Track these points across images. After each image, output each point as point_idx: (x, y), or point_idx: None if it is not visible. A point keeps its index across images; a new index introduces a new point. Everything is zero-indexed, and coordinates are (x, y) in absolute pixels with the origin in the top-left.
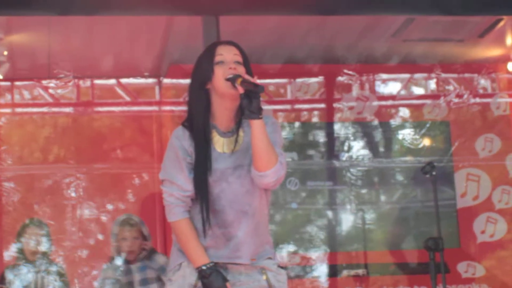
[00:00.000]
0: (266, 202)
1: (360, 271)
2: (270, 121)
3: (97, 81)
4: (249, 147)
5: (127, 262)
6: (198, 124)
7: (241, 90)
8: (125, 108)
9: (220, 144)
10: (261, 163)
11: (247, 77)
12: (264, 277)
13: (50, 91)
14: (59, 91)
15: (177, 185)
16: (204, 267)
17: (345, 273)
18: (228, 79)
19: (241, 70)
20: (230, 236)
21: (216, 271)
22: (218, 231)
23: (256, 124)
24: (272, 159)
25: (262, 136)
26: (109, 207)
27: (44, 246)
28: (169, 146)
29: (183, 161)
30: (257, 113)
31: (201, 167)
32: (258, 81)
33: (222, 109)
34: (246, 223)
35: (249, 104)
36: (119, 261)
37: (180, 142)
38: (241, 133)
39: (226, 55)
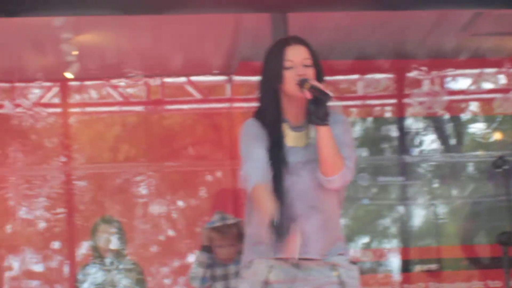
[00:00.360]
0: (337, 199)
1: (433, 266)
2: (341, 119)
3: (167, 80)
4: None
5: (223, 262)
6: (270, 118)
7: (308, 95)
8: (196, 106)
9: (291, 138)
10: (327, 169)
11: (315, 83)
12: (335, 273)
13: (120, 90)
14: (128, 90)
15: (258, 173)
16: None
17: (417, 268)
18: (297, 84)
19: (310, 73)
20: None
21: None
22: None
23: (322, 130)
24: (338, 165)
25: (328, 142)
26: (180, 203)
27: (117, 244)
28: (245, 136)
29: (261, 148)
30: (324, 119)
31: (275, 159)
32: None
33: (293, 107)
34: (314, 218)
35: (316, 110)
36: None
37: (254, 128)
38: (312, 128)
39: (295, 58)
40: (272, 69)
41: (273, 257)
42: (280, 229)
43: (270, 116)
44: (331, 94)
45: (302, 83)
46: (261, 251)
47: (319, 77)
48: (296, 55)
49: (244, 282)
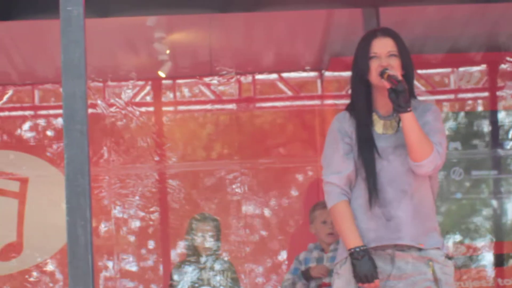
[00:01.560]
0: (429, 187)
1: None
2: (432, 108)
3: (259, 77)
4: None
5: (321, 249)
6: (359, 107)
7: (387, 85)
8: (287, 103)
9: (380, 125)
10: (416, 154)
11: (392, 72)
12: (430, 270)
13: (212, 88)
14: (220, 87)
15: (332, 166)
16: (357, 249)
17: (511, 262)
18: (380, 73)
19: (394, 63)
20: (390, 216)
21: (368, 255)
22: (378, 210)
23: (405, 117)
24: (427, 149)
25: (414, 127)
26: (273, 202)
27: (212, 242)
28: (329, 131)
29: (341, 142)
30: (405, 107)
31: (365, 144)
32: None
33: (382, 97)
34: (405, 203)
35: (396, 99)
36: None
37: (340, 123)
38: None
39: (380, 50)
40: (359, 61)
41: (367, 246)
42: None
43: (359, 107)
44: (403, 84)
45: (381, 73)
46: None
47: (406, 68)
48: (381, 47)
49: (340, 278)
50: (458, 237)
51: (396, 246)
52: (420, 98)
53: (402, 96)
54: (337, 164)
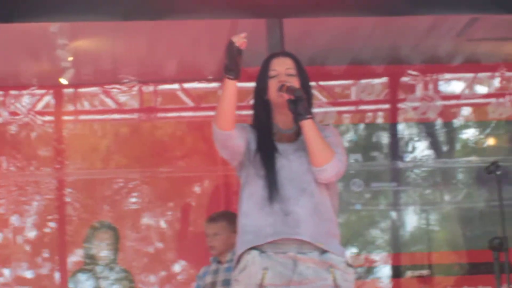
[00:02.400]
0: (327, 195)
1: (424, 272)
2: (329, 129)
3: (161, 87)
4: None
5: (219, 261)
6: (261, 121)
7: (286, 96)
8: (189, 114)
9: (279, 138)
10: (318, 159)
11: (289, 84)
12: (331, 276)
13: (114, 96)
14: (122, 97)
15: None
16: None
17: (409, 274)
18: (277, 90)
19: (293, 81)
20: (288, 211)
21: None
22: (276, 206)
23: (306, 124)
24: (329, 154)
25: (314, 133)
26: (169, 213)
27: (109, 251)
28: None
29: (243, 129)
30: (304, 114)
31: (266, 143)
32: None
33: (281, 114)
34: (305, 200)
35: (295, 108)
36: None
37: (241, 125)
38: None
39: (279, 68)
40: (259, 80)
41: (262, 243)
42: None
43: (261, 121)
44: (299, 89)
45: (280, 87)
46: (249, 241)
47: (304, 86)
48: (280, 65)
49: (239, 285)
50: (356, 248)
51: (297, 247)
52: (321, 109)
53: (301, 104)
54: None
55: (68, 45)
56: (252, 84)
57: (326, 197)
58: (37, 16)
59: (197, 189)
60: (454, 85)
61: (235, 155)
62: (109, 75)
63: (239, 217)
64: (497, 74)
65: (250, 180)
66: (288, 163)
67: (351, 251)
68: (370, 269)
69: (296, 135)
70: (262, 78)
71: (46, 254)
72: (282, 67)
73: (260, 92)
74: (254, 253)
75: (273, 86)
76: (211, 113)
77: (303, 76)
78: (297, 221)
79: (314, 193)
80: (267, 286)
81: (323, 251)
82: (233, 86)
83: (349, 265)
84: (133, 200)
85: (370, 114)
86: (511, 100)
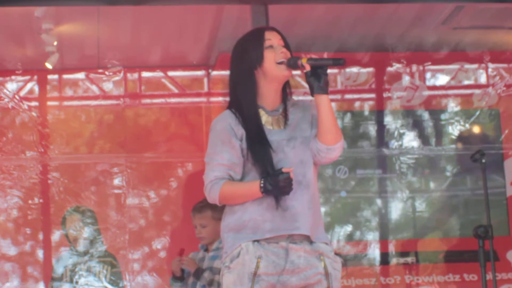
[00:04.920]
0: (317, 181)
1: (410, 259)
2: (310, 105)
3: (145, 74)
4: (299, 123)
5: (205, 250)
6: (247, 105)
7: (308, 67)
8: (173, 100)
9: (269, 122)
10: (331, 137)
11: (311, 57)
12: (322, 264)
13: (98, 82)
14: (106, 83)
15: (223, 165)
16: (261, 182)
17: (394, 261)
18: (289, 61)
19: (289, 54)
20: (286, 206)
21: (271, 176)
22: (273, 201)
23: (324, 99)
24: (339, 133)
25: (330, 111)
26: (153, 194)
27: (88, 232)
28: (212, 131)
29: (230, 142)
30: (325, 88)
31: (259, 139)
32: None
33: (270, 91)
34: (301, 193)
35: (318, 80)
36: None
37: (228, 125)
38: (290, 110)
39: (274, 40)
40: (252, 51)
41: (259, 238)
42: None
43: (247, 102)
44: (343, 59)
45: (294, 60)
46: (247, 236)
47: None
48: (273, 37)
49: (231, 273)
50: (342, 236)
51: (290, 237)
52: (307, 98)
53: (325, 77)
54: (230, 162)
55: (53, 30)
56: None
57: (316, 186)
58: (21, 0)
59: (180, 173)
60: (440, 73)
61: None
62: (93, 60)
63: (236, 211)
64: (483, 64)
65: (246, 173)
66: (284, 156)
67: (337, 238)
68: (356, 256)
69: (284, 116)
70: (255, 49)
71: (29, 235)
72: (276, 39)
73: (253, 64)
74: (247, 242)
75: (271, 56)
76: (196, 99)
77: (288, 48)
78: (295, 215)
79: (309, 184)
80: (260, 274)
81: (313, 240)
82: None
83: (337, 254)
84: (117, 184)
85: (357, 102)
86: (496, 88)
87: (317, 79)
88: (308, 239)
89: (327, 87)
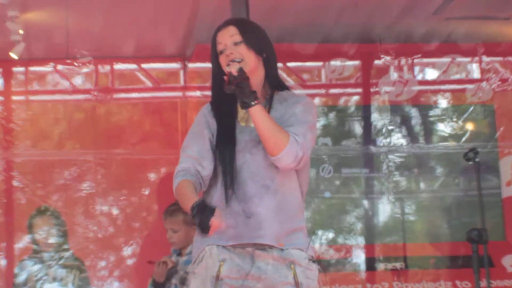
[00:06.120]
0: (296, 182)
1: (398, 265)
2: (304, 100)
3: (117, 66)
4: (277, 122)
5: (178, 254)
6: (223, 100)
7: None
8: (147, 95)
9: (244, 119)
10: (270, 147)
11: (228, 68)
12: (291, 273)
13: (67, 74)
14: (76, 75)
15: (192, 157)
16: (194, 205)
17: (382, 266)
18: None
19: (241, 50)
20: (251, 212)
21: (205, 205)
22: (238, 206)
23: (252, 111)
24: (282, 141)
25: (263, 120)
26: (123, 197)
27: (56, 238)
28: (193, 123)
29: (202, 134)
30: (248, 101)
31: (225, 137)
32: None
33: None
34: (268, 198)
35: (239, 94)
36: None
37: (204, 116)
38: (272, 108)
39: (224, 41)
40: (211, 59)
41: (224, 245)
42: (202, 212)
43: (223, 97)
44: (239, 77)
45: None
46: (211, 240)
47: (260, 52)
48: (224, 36)
49: (196, 278)
50: (326, 239)
51: (256, 244)
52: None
53: (244, 90)
54: (198, 155)
55: (19, 17)
56: None
57: (293, 189)
58: None
59: (153, 175)
60: (430, 67)
61: None
62: (62, 50)
63: None
64: (476, 56)
65: (214, 175)
66: (251, 157)
67: (320, 241)
68: (341, 261)
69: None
70: (213, 57)
71: None
72: (227, 38)
73: (215, 72)
74: (212, 245)
75: (223, 62)
76: (171, 94)
77: (255, 40)
78: (260, 222)
79: (278, 190)
80: (223, 278)
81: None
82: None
83: (313, 261)
84: (86, 184)
85: (341, 97)
86: (490, 83)
87: (239, 91)
88: (277, 247)
89: (250, 99)
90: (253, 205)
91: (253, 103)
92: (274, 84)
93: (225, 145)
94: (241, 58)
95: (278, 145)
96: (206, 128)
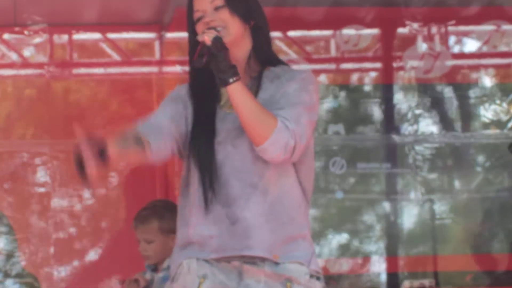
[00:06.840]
0: (294, 178)
1: (427, 282)
2: (300, 76)
3: (77, 36)
4: (266, 106)
5: (153, 270)
6: (201, 80)
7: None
8: (114, 70)
9: (227, 104)
10: (253, 136)
11: (200, 37)
12: None
13: (16, 45)
14: (29, 49)
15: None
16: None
17: (407, 284)
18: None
19: (223, 16)
20: (236, 218)
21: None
22: (221, 211)
23: (231, 89)
24: (267, 127)
25: (244, 101)
26: (86, 194)
27: (5, 245)
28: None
29: (174, 108)
30: (226, 77)
31: (202, 126)
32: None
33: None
34: (255, 200)
35: (215, 68)
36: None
37: (176, 93)
38: (261, 88)
39: (201, 7)
40: (188, 26)
41: (206, 258)
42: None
43: (200, 80)
44: (213, 45)
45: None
46: (191, 252)
47: (248, 17)
48: (201, 2)
49: None
50: (338, 249)
51: (244, 257)
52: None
53: (220, 63)
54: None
55: None
56: None
57: (290, 187)
58: None
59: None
60: (469, 36)
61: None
62: (9, 16)
63: (183, 221)
64: None
65: (190, 172)
66: (234, 149)
67: (331, 252)
68: (355, 277)
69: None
70: (189, 25)
71: None
72: (205, 5)
73: (192, 44)
74: (191, 259)
75: (201, 31)
76: (145, 69)
77: (237, 0)
78: (247, 230)
79: (268, 189)
80: None
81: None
82: None
83: (316, 277)
84: (40, 181)
85: (355, 73)
86: None
87: (214, 64)
88: (271, 260)
89: (229, 73)
90: (238, 208)
91: (231, 79)
92: (264, 59)
93: (201, 136)
94: (222, 26)
95: (262, 133)
96: (180, 103)
